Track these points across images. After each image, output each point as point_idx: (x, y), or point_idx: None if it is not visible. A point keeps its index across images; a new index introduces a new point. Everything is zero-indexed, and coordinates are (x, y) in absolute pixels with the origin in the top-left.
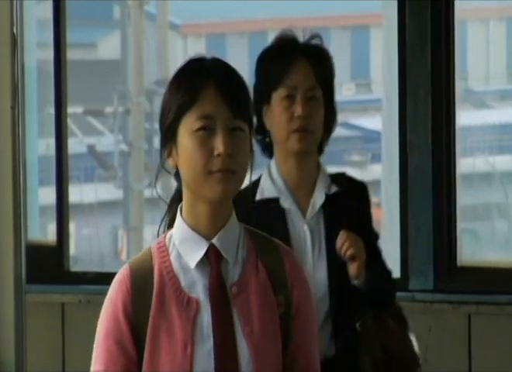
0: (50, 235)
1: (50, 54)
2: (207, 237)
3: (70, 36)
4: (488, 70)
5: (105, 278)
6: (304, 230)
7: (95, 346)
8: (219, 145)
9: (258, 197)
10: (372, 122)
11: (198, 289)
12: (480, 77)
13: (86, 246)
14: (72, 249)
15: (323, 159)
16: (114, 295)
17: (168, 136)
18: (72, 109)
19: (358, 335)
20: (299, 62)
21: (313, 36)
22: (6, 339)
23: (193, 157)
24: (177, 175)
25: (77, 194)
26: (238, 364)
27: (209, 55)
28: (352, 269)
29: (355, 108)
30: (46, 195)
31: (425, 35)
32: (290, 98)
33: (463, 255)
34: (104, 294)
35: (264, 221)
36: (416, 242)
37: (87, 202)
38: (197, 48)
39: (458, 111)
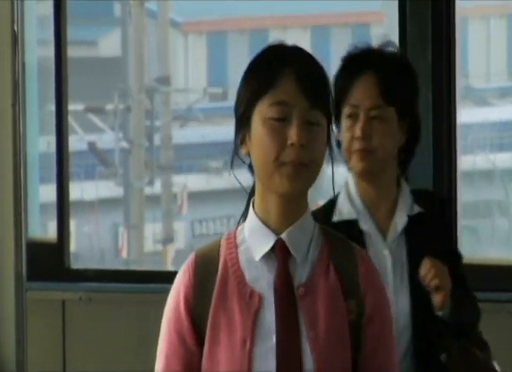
0: (51, 232)
1: (50, 52)
2: (277, 232)
3: (71, 33)
4: (489, 67)
5: (106, 275)
6: (384, 255)
7: (160, 336)
8: (293, 134)
9: (336, 218)
10: None
11: (263, 284)
12: (481, 74)
13: (86, 243)
14: (72, 247)
15: None
16: (177, 285)
17: (242, 122)
18: (73, 106)
19: (445, 368)
20: (364, 76)
21: (384, 44)
22: (7, 336)
23: (265, 146)
24: (251, 167)
25: (78, 191)
26: (302, 368)
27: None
28: (437, 300)
29: None
30: (47, 192)
31: (426, 32)
32: (353, 117)
33: (463, 252)
34: (104, 291)
35: None
36: None
37: (87, 199)
38: (198, 45)
39: (458, 108)
